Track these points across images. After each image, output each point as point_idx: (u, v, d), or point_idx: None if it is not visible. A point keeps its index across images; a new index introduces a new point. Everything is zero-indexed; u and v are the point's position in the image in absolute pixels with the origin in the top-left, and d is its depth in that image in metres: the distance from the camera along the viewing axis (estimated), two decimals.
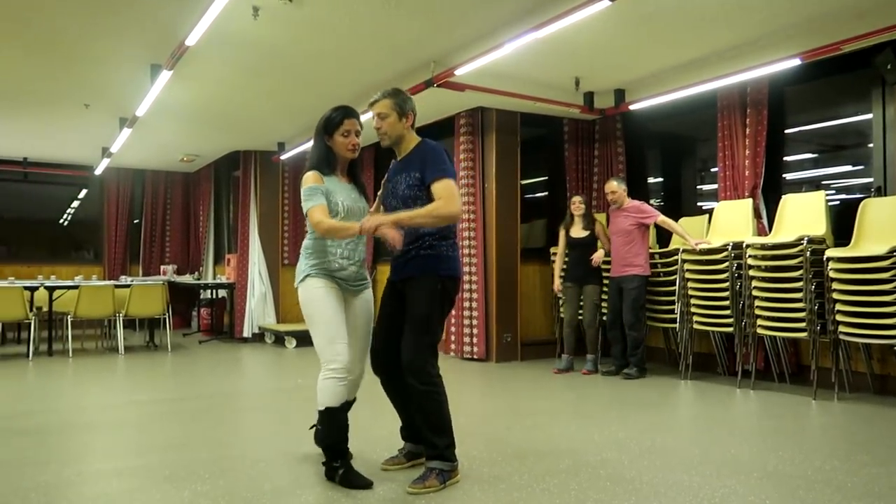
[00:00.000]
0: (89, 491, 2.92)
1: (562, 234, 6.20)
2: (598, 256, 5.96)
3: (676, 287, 5.57)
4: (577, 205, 6.12)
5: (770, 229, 5.29)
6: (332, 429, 2.92)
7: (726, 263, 5.17)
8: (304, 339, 8.05)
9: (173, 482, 2.97)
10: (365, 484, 2.86)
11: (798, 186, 5.67)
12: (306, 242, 3.06)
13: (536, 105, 6.14)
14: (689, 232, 5.54)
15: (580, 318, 6.16)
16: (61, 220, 10.75)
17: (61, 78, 5.73)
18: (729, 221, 5.47)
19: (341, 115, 2.97)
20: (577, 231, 6.10)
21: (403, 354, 2.90)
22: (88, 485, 3.01)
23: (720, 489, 2.83)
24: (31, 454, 3.45)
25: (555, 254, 6.80)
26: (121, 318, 7.39)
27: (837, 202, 5.46)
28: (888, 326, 4.23)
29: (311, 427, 3.15)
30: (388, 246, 2.85)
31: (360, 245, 3.05)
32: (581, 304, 6.13)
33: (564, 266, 6.24)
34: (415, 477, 2.87)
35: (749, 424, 4.22)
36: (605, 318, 6.02)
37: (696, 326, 5.47)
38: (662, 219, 5.64)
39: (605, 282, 6.05)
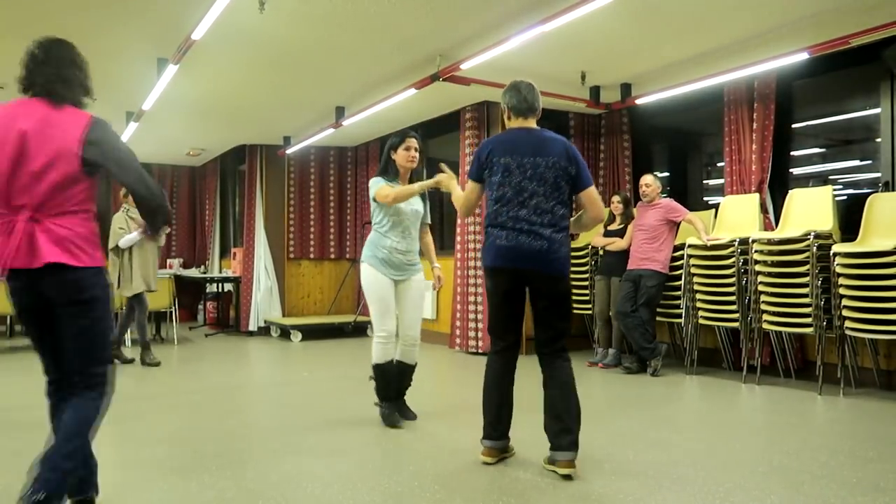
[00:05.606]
0: (97, 481, 2.94)
1: (601, 230, 6.16)
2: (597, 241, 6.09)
3: (682, 281, 5.56)
4: (614, 204, 6.07)
5: (777, 224, 5.27)
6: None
7: (733, 259, 5.16)
8: (308, 333, 8.09)
9: (180, 473, 2.99)
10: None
11: (805, 181, 5.65)
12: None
13: (542, 99, 6.10)
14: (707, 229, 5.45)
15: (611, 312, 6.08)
16: None
17: None
18: (735, 216, 5.46)
19: (401, 137, 3.87)
20: (613, 226, 6.08)
21: None
22: (96, 475, 3.02)
23: (725, 483, 2.83)
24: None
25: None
26: None
27: (845, 197, 5.44)
28: (895, 322, 4.22)
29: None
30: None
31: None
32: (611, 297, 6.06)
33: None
34: None
35: (754, 419, 4.22)
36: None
37: (701, 321, 5.46)
38: (690, 217, 5.51)
39: None
